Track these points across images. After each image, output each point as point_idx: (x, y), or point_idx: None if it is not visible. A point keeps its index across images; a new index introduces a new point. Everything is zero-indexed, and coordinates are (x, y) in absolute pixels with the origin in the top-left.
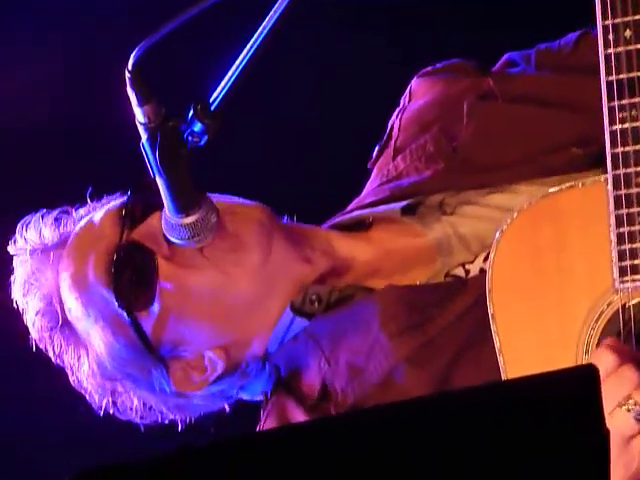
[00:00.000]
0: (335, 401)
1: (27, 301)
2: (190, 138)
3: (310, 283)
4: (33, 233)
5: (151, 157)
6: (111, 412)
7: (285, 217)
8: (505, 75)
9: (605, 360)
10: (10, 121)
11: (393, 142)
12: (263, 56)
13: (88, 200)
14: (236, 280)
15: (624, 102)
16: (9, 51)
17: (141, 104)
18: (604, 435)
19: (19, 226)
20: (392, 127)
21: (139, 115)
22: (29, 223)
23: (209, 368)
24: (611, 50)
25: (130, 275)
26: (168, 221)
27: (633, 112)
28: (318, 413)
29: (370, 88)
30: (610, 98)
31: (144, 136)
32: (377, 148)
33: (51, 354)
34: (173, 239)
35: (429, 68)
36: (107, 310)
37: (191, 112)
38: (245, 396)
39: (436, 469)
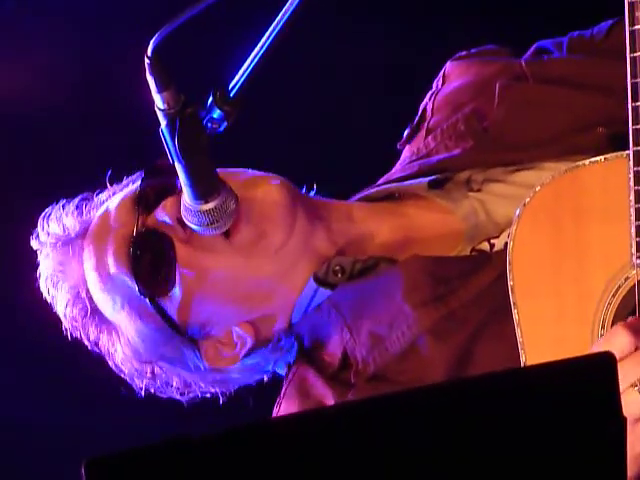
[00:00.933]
0: (355, 370)
1: (55, 294)
2: (209, 124)
3: (333, 255)
4: (55, 225)
5: (170, 143)
6: (152, 391)
7: (304, 188)
8: (538, 59)
9: (621, 340)
10: (30, 111)
11: (426, 124)
12: (283, 41)
13: (108, 184)
14: (258, 263)
15: None
16: (28, 36)
17: (160, 90)
18: (621, 422)
19: (40, 219)
20: (425, 109)
21: (158, 101)
22: (50, 215)
23: (239, 343)
24: (637, 27)
25: (149, 261)
26: (187, 208)
27: None
28: (338, 383)
29: (399, 69)
30: (633, 75)
31: (163, 122)
32: (408, 129)
33: (87, 342)
34: (192, 225)
35: (463, 52)
36: (132, 297)
37: (210, 98)
38: (281, 370)
39: (453, 456)
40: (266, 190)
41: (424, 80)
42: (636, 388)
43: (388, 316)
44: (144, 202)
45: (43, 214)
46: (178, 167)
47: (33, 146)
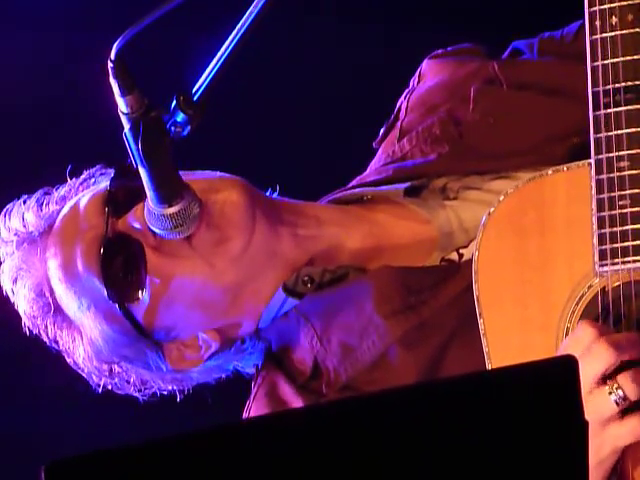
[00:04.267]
0: (327, 380)
1: (17, 290)
2: (173, 128)
3: (302, 264)
4: (16, 221)
5: (133, 147)
6: (109, 388)
7: (269, 190)
8: (510, 61)
9: (583, 335)
10: None
11: (400, 123)
12: (247, 44)
13: (68, 179)
14: (221, 269)
15: (607, 87)
16: None
17: (124, 94)
18: (583, 425)
19: (1, 216)
20: (399, 108)
21: (122, 105)
22: (11, 211)
23: (203, 347)
24: (597, 36)
25: (119, 266)
26: (151, 211)
27: (617, 97)
28: (309, 392)
29: (373, 67)
30: (595, 83)
31: (126, 126)
32: (384, 128)
33: (45, 339)
34: (156, 229)
35: (440, 51)
36: (98, 298)
37: (174, 102)
38: (242, 368)
39: (418, 457)
40: (226, 194)
41: (401, 77)
42: (606, 389)
43: (358, 326)
44: (114, 204)
45: (4, 210)
46: (142, 171)
47: None
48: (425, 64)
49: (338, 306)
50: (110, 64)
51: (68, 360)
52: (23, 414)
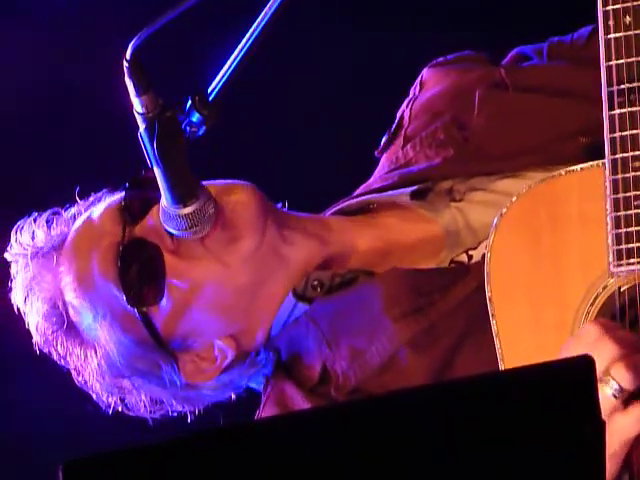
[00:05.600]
0: (335, 384)
1: (29, 305)
2: (188, 128)
3: (312, 269)
4: (27, 237)
5: (149, 147)
6: (119, 410)
7: (279, 204)
8: (517, 67)
9: (588, 333)
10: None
11: (404, 131)
12: (262, 45)
13: (77, 199)
14: (234, 269)
15: (622, 87)
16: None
17: (139, 94)
18: (600, 424)
19: (13, 232)
20: (402, 116)
21: (137, 105)
22: (22, 228)
23: (219, 357)
24: (611, 35)
25: (137, 272)
26: (166, 212)
27: (631, 97)
28: (318, 397)
29: (375, 76)
30: (609, 83)
31: (142, 126)
32: (385, 137)
33: (55, 356)
34: (171, 230)
35: (441, 59)
36: (115, 307)
37: (189, 103)
38: (254, 385)
39: (433, 458)
40: (238, 195)
41: (399, 87)
42: (601, 384)
43: (367, 329)
44: (129, 211)
45: (16, 227)
46: (157, 171)
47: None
48: (426, 72)
49: (347, 310)
50: (125, 64)
51: (78, 379)
52: (40, 413)
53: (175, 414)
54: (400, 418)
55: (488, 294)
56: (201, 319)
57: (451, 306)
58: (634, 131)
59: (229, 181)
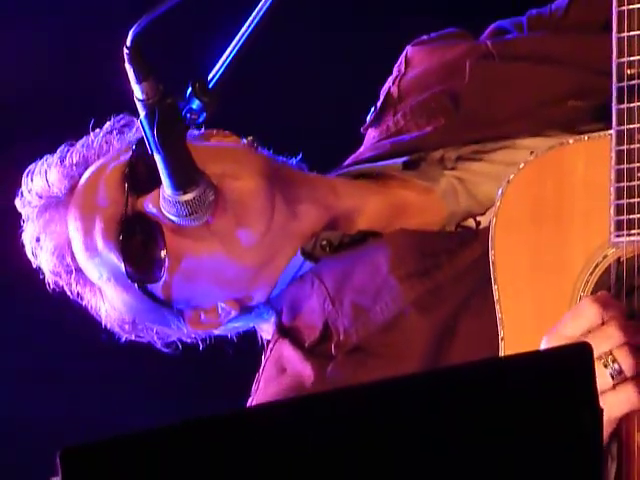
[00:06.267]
0: (337, 341)
1: (39, 252)
2: (188, 115)
3: (320, 229)
4: (39, 181)
5: (149, 134)
6: (133, 338)
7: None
8: (502, 39)
9: (589, 313)
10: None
11: (393, 107)
12: (262, 33)
13: (91, 132)
14: (240, 253)
15: (633, 59)
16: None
17: (139, 81)
18: (597, 412)
19: (24, 177)
20: (389, 93)
21: (137, 92)
22: (33, 172)
23: (222, 315)
24: (624, 7)
25: (138, 246)
26: (166, 198)
27: None
28: (317, 356)
29: (350, 56)
30: (620, 54)
31: (142, 113)
32: (372, 114)
33: (70, 295)
34: (171, 216)
35: (424, 37)
36: (118, 274)
37: (189, 89)
38: (259, 330)
39: (431, 445)
40: (243, 182)
41: (376, 66)
42: (601, 362)
43: (372, 288)
44: (134, 180)
45: (27, 171)
46: (157, 158)
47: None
48: (410, 50)
49: (353, 268)
50: (126, 50)
51: (92, 312)
52: (39, 400)
53: (188, 340)
54: (396, 405)
55: (491, 258)
56: (203, 290)
57: (457, 270)
58: None
59: (232, 146)
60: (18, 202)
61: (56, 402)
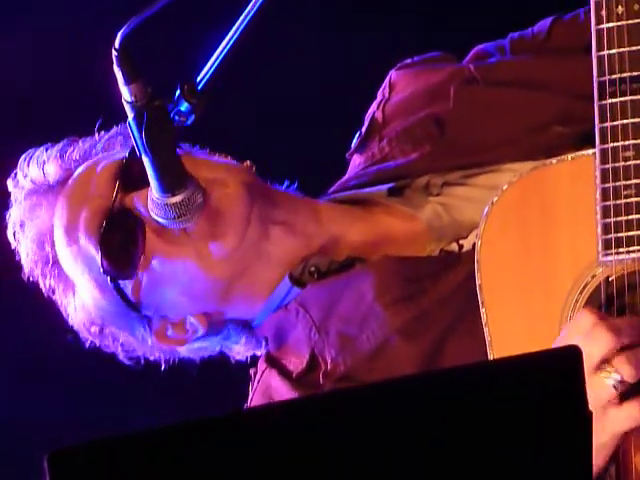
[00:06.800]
0: (324, 371)
1: (21, 236)
2: (177, 117)
3: (311, 255)
4: (34, 168)
5: (137, 136)
6: (97, 344)
7: (285, 183)
8: (485, 63)
9: (584, 321)
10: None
11: (378, 133)
12: (251, 35)
13: (96, 133)
14: (212, 263)
15: (614, 77)
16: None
17: (127, 83)
18: (587, 415)
19: (21, 160)
20: (373, 118)
21: (125, 94)
22: (31, 157)
23: (190, 331)
24: (603, 26)
25: (118, 242)
26: (154, 200)
27: (622, 87)
28: (304, 386)
29: (349, 77)
30: (600, 73)
31: (130, 115)
32: (357, 139)
33: (43, 288)
34: (158, 218)
35: (408, 60)
36: (93, 268)
37: (178, 91)
38: (228, 352)
39: (422, 446)
40: (229, 189)
41: (359, 90)
42: (602, 374)
43: (358, 316)
44: (127, 177)
45: (25, 155)
46: (145, 160)
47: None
48: (394, 74)
49: (337, 296)
50: (114, 52)
51: (61, 311)
52: (26, 402)
53: (151, 358)
54: (388, 407)
55: (478, 282)
56: (173, 299)
57: (442, 294)
58: (624, 121)
59: (225, 162)
60: (10, 183)
61: (43, 404)
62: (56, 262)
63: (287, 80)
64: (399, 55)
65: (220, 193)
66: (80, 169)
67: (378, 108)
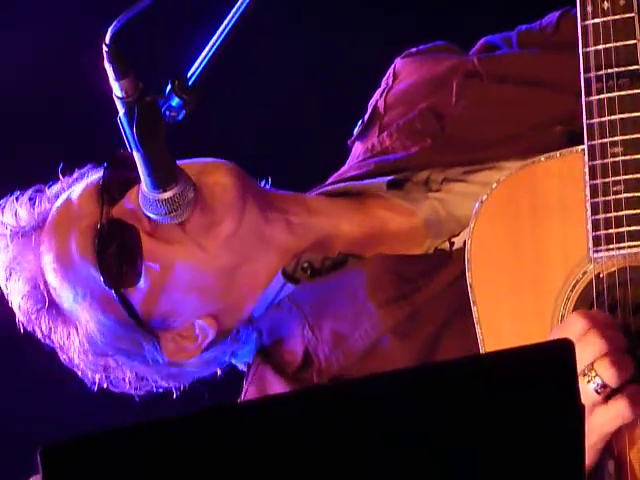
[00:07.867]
0: (318, 369)
1: (11, 285)
2: (168, 113)
3: (300, 251)
4: (9, 216)
5: (128, 131)
6: (105, 386)
7: (262, 182)
8: (489, 56)
9: (575, 326)
10: None
11: (379, 121)
12: (242, 30)
13: (60, 177)
14: (213, 253)
15: (600, 73)
16: None
17: (118, 78)
18: (579, 408)
19: None
20: (376, 106)
21: (116, 89)
22: (4, 207)
23: (200, 336)
24: (589, 22)
25: (114, 253)
26: (145, 196)
27: (609, 83)
28: (299, 382)
29: (343, 67)
30: (587, 69)
31: (121, 110)
32: (359, 126)
33: (39, 335)
34: (151, 214)
35: (413, 49)
36: (94, 287)
37: (169, 87)
38: (237, 362)
39: (413, 441)
40: (217, 176)
41: (366, 78)
42: (585, 378)
43: (351, 315)
44: (108, 191)
45: None
46: (136, 155)
47: None
48: (398, 63)
49: (331, 295)
50: (105, 48)
51: (62, 357)
52: (20, 399)
53: (160, 390)
54: (380, 401)
55: (469, 280)
56: (179, 300)
57: (434, 293)
58: (612, 117)
59: (210, 160)
60: None
61: (39, 402)
62: (52, 302)
63: (280, 72)
64: (404, 44)
65: (211, 183)
66: (57, 204)
67: (381, 96)
